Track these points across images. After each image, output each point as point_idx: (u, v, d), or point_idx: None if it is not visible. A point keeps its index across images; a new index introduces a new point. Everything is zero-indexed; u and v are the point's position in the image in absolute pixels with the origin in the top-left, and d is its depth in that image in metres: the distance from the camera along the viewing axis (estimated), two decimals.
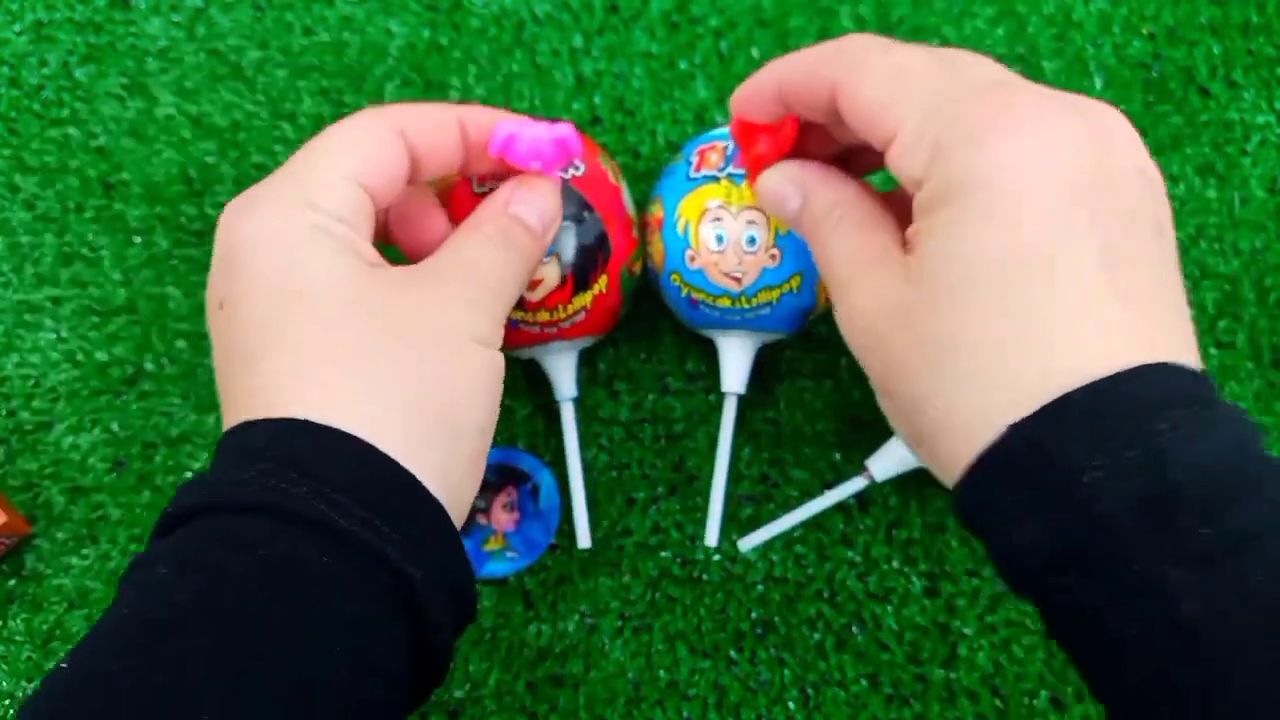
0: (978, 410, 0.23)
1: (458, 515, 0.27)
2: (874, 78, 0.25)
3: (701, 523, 0.38)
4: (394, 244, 0.33)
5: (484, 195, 0.34)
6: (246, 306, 0.26)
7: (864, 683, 0.37)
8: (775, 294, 0.34)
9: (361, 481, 0.24)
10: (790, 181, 0.29)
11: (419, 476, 0.25)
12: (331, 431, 0.24)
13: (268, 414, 0.25)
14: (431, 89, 0.44)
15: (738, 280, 0.34)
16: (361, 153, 0.28)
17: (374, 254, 0.28)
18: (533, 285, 0.34)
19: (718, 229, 0.34)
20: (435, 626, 0.25)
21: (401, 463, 0.25)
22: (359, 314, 0.26)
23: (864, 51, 0.26)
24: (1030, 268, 0.22)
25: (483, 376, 0.28)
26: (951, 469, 0.24)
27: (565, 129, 0.31)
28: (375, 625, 0.24)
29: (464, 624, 0.27)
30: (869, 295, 0.26)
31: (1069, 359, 0.22)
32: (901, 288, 0.25)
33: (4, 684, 0.37)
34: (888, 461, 0.36)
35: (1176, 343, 0.23)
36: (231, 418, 0.26)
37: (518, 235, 0.30)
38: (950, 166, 0.23)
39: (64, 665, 0.21)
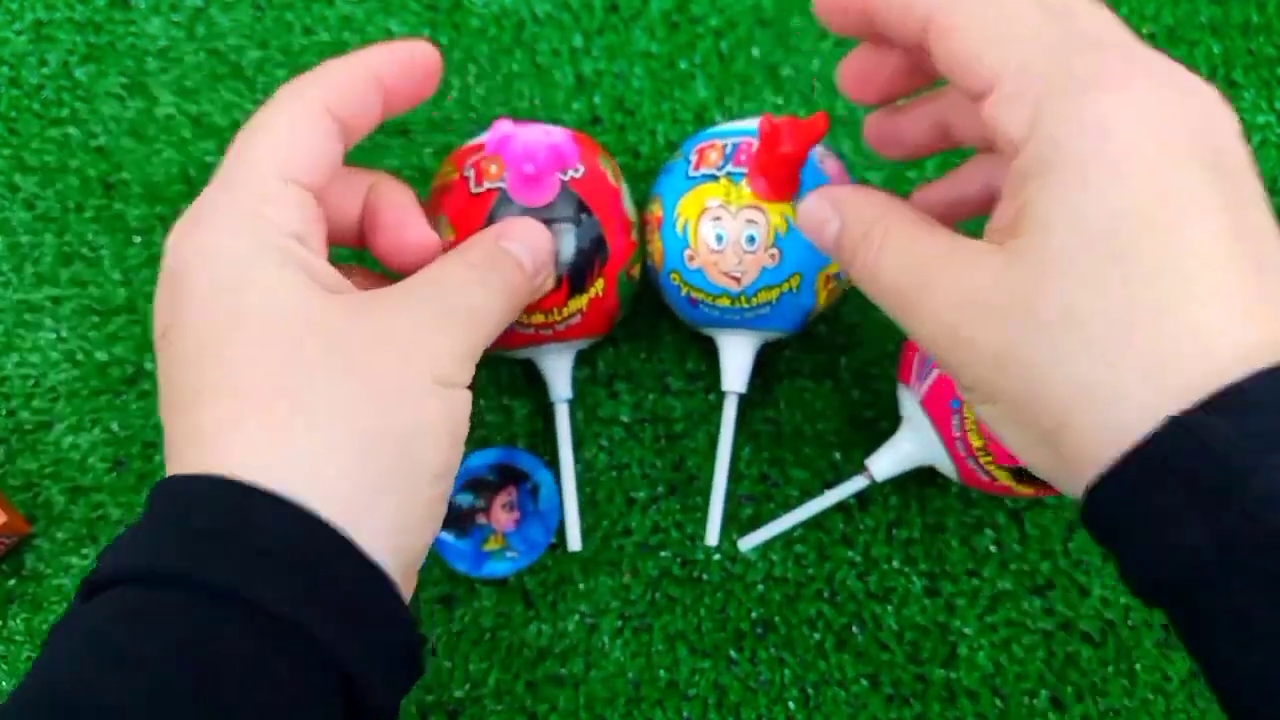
0: (1129, 395, 0.20)
1: (411, 563, 0.25)
2: (975, 16, 0.22)
3: (701, 523, 0.38)
4: (371, 252, 0.31)
5: (482, 195, 0.34)
6: (187, 336, 0.24)
7: (864, 683, 0.37)
8: (775, 293, 0.34)
9: (293, 550, 0.22)
10: (827, 202, 0.27)
11: (366, 531, 0.23)
12: (262, 494, 0.22)
13: (199, 465, 0.23)
14: None
15: (737, 280, 0.34)
16: (295, 146, 0.26)
17: (330, 273, 0.26)
18: None
19: (717, 228, 0.34)
20: (374, 710, 0.23)
21: (346, 518, 0.22)
22: (309, 347, 0.24)
23: None
24: (1167, 231, 0.20)
25: (445, 420, 0.25)
26: (1083, 468, 0.21)
27: (561, 135, 0.31)
28: (301, 714, 0.21)
29: (411, 684, 0.25)
30: (956, 290, 0.23)
31: (1227, 339, 0.19)
32: (1001, 272, 0.22)
33: (4, 684, 0.37)
34: (888, 461, 0.36)
35: None
36: (169, 461, 0.24)
37: (507, 269, 0.29)
38: (1060, 124, 0.21)
39: None
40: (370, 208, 0.30)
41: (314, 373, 0.23)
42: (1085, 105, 0.21)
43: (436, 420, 0.25)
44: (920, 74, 0.28)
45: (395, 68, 0.29)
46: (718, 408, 0.40)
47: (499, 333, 0.28)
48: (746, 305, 0.35)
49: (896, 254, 0.25)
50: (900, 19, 0.24)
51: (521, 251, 0.29)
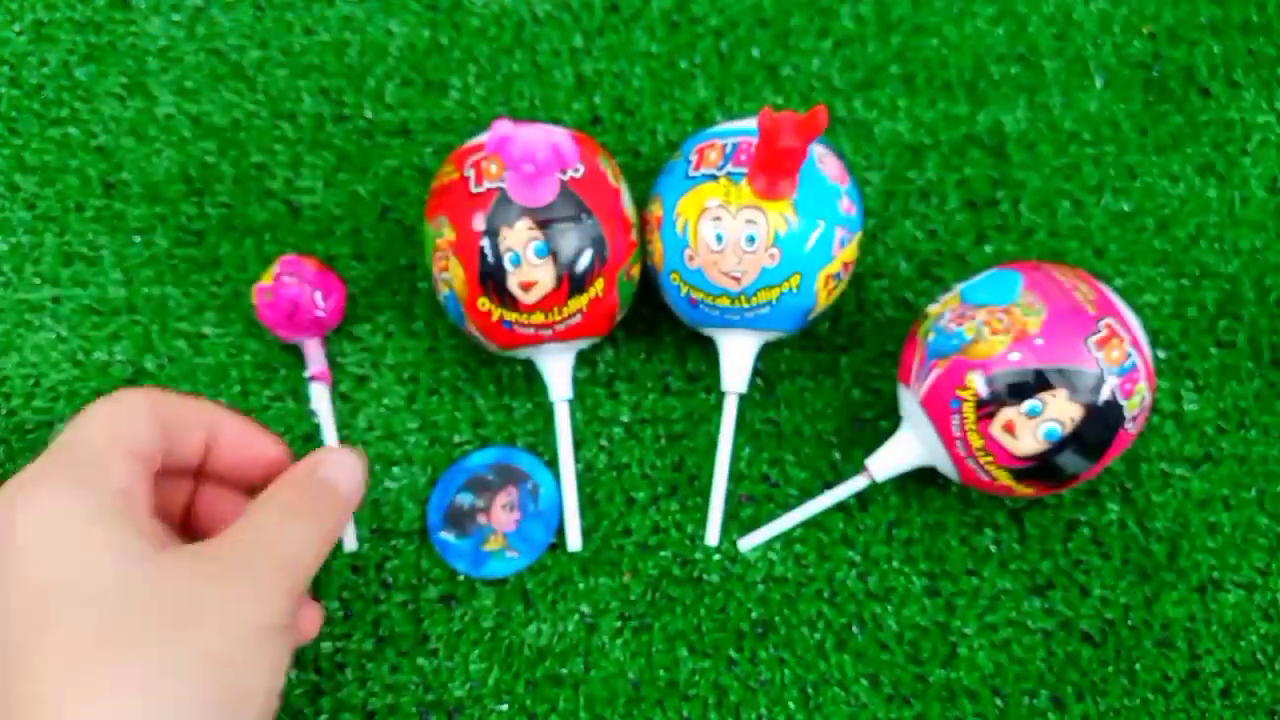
0: None
1: None
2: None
3: (701, 523, 0.38)
4: (213, 470, 0.32)
5: (482, 195, 0.34)
6: (11, 596, 0.24)
7: (864, 683, 0.37)
8: (775, 293, 0.34)
9: None
10: None
11: None
12: None
13: None
14: (431, 89, 0.44)
15: (737, 280, 0.34)
16: (130, 426, 0.28)
17: (157, 531, 0.27)
18: (528, 287, 0.34)
19: (717, 228, 0.34)
20: None
21: None
22: (132, 616, 0.24)
23: None
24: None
25: (268, 663, 0.26)
26: None
27: (561, 135, 0.31)
28: None
29: None
30: None
31: None
32: None
33: None
34: (888, 461, 0.36)
35: None
36: None
37: (323, 502, 0.29)
38: None
39: None
40: (212, 434, 0.31)
41: (138, 633, 0.24)
42: None
43: (262, 664, 0.26)
44: None
45: (236, 434, 0.31)
46: (718, 408, 0.40)
47: (321, 563, 0.29)
48: (746, 305, 0.35)
49: None
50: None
51: (338, 476, 0.30)
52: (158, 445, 0.28)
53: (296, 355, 0.40)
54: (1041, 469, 0.33)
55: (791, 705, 0.36)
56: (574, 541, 0.38)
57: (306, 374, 0.39)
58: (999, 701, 0.36)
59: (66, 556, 0.24)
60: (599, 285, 0.35)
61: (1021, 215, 0.42)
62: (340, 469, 0.30)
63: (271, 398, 0.40)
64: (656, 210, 0.36)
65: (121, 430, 0.28)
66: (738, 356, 0.37)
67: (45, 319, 0.41)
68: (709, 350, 0.40)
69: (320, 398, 0.39)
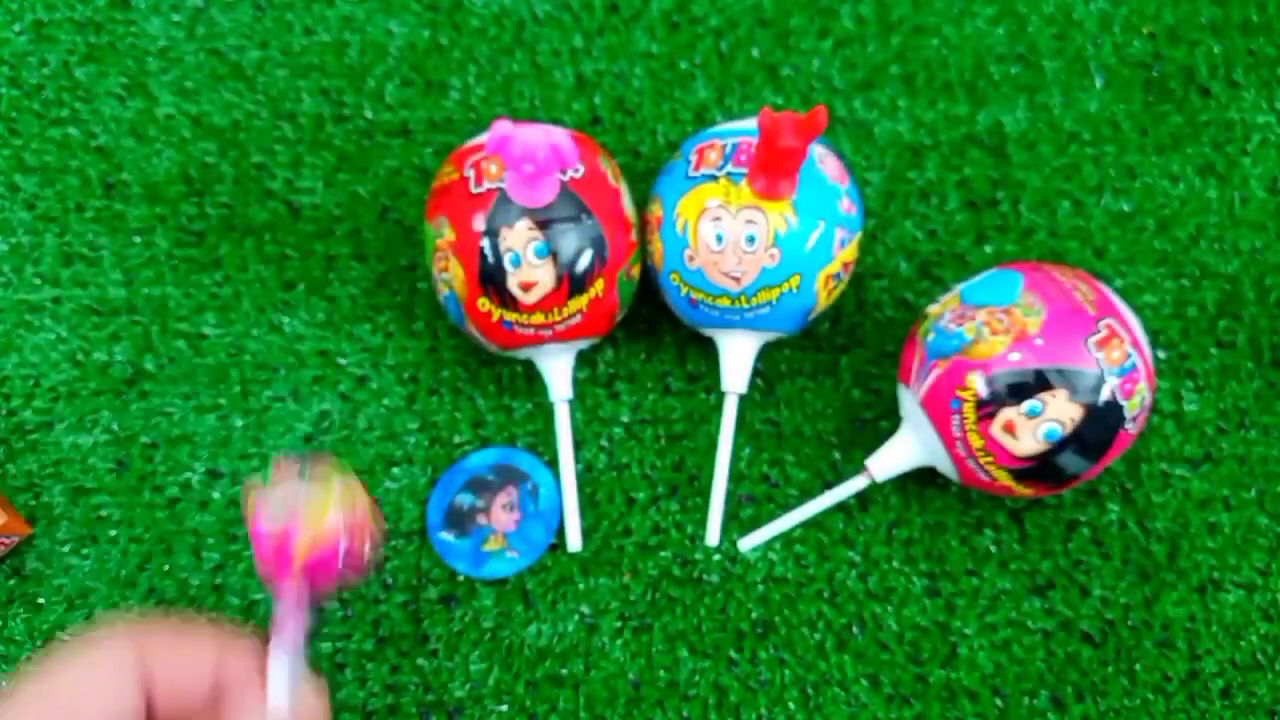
0: None
1: None
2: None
3: (701, 523, 0.38)
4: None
5: (482, 195, 0.34)
6: None
7: (864, 683, 0.37)
8: (774, 293, 0.34)
9: None
10: None
11: None
12: None
13: None
14: (431, 89, 0.44)
15: (737, 280, 0.34)
16: (108, 691, 0.24)
17: None
18: (528, 287, 0.34)
19: (716, 228, 0.34)
20: None
21: None
22: None
23: None
24: None
25: None
26: None
27: (560, 135, 0.31)
28: None
29: None
30: None
31: None
32: None
33: (4, 684, 0.37)
34: (888, 461, 0.36)
35: None
36: None
37: None
38: None
39: None
40: (219, 682, 0.27)
41: None
42: None
43: None
44: None
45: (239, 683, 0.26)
46: (718, 408, 0.40)
47: None
48: (746, 305, 0.35)
49: None
50: None
51: None
52: (139, 714, 0.25)
53: (296, 355, 0.40)
54: (1041, 469, 0.33)
55: (791, 705, 0.36)
56: (574, 542, 0.38)
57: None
58: (999, 701, 0.36)
59: None
60: (599, 285, 0.35)
61: (1021, 215, 0.42)
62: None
63: (272, 398, 0.40)
64: (656, 210, 0.36)
65: (98, 694, 0.24)
66: (738, 357, 0.37)
67: (45, 319, 0.41)
68: (709, 350, 0.40)
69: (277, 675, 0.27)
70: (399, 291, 0.41)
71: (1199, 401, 0.40)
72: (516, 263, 0.33)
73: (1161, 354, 0.41)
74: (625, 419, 0.40)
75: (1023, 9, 0.45)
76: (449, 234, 0.34)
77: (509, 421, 0.40)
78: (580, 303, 0.35)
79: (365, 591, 0.37)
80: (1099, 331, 0.32)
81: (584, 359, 0.40)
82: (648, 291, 0.40)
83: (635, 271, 0.37)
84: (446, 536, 0.38)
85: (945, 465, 0.35)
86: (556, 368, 0.37)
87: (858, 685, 0.37)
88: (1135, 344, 0.32)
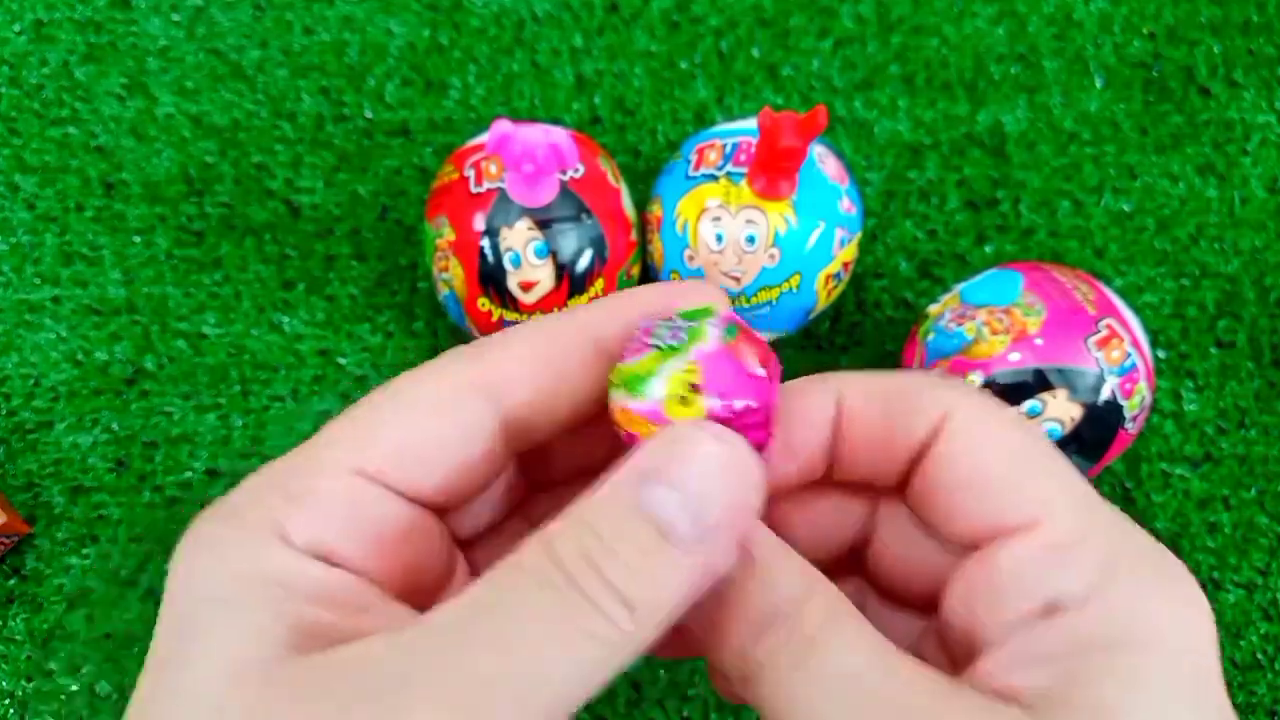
0: None
1: None
2: (1003, 448, 0.18)
3: None
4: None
5: (482, 195, 0.34)
6: (142, 680, 0.16)
7: None
8: (774, 293, 0.34)
9: None
10: (728, 536, 0.16)
11: None
12: None
13: None
14: (431, 89, 0.44)
15: (737, 280, 0.34)
16: (416, 426, 0.18)
17: (339, 619, 0.16)
18: (528, 287, 0.34)
19: (717, 228, 0.34)
20: None
21: None
22: None
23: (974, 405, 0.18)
24: None
25: None
26: None
27: (561, 134, 0.31)
28: None
29: None
30: None
31: None
32: None
33: (4, 684, 0.37)
34: None
35: None
36: None
37: (639, 565, 0.16)
38: (1135, 599, 0.16)
39: None
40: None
41: None
42: (1161, 593, 0.17)
43: None
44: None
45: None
46: None
47: (586, 697, 0.16)
48: (746, 305, 0.35)
49: (843, 682, 0.16)
50: (888, 437, 0.18)
51: (674, 515, 0.16)
52: (467, 457, 0.18)
53: (296, 355, 0.40)
54: None
55: None
56: None
57: None
58: None
59: (187, 654, 0.16)
60: (599, 285, 0.35)
61: (1021, 215, 0.42)
62: (690, 486, 0.16)
63: (272, 398, 0.40)
64: (656, 210, 0.36)
65: (397, 441, 0.18)
66: None
67: (45, 319, 0.41)
68: None
69: None
70: (399, 291, 0.41)
71: (1199, 401, 0.40)
72: (516, 262, 0.33)
73: (1161, 354, 0.41)
74: None
75: (1023, 9, 0.45)
76: (449, 234, 0.34)
77: None
78: (580, 302, 0.35)
79: None
80: (1099, 331, 0.32)
81: None
82: None
83: (635, 271, 0.37)
84: None
85: None
86: None
87: None
88: (1135, 344, 0.32)
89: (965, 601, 0.17)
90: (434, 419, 0.18)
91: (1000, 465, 0.17)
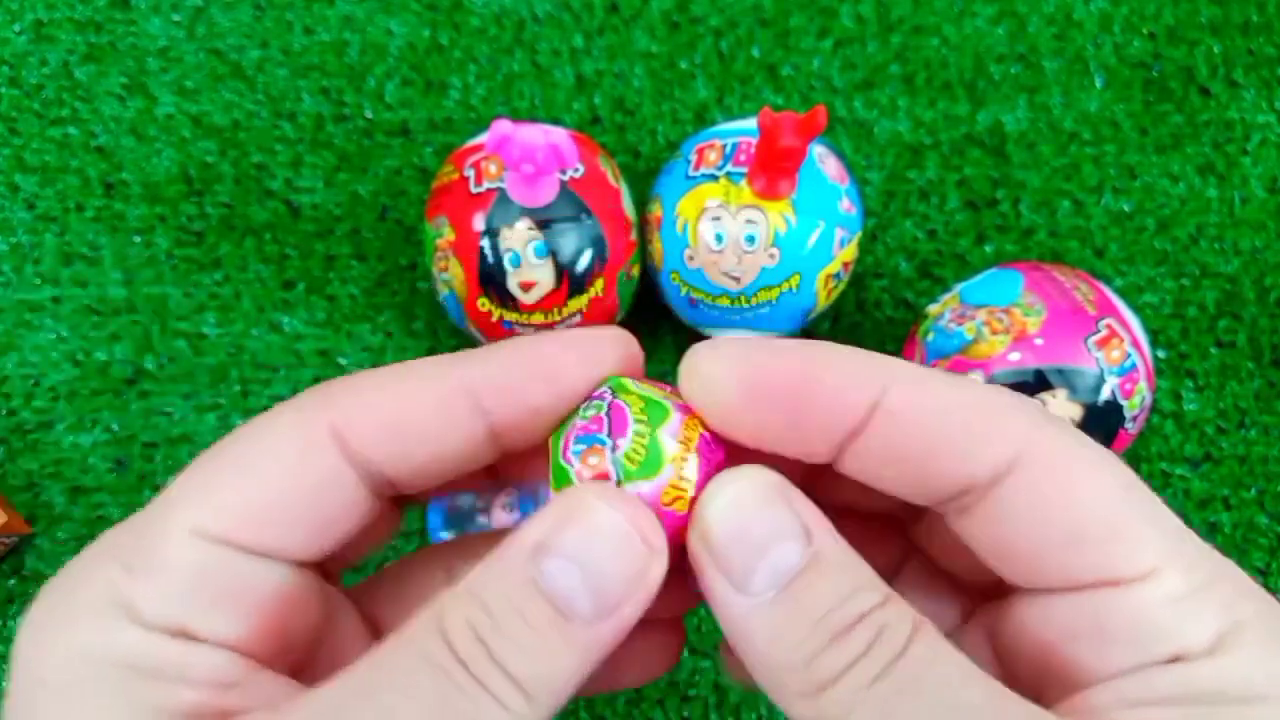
0: None
1: None
2: (1102, 493, 0.16)
3: None
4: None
5: (482, 195, 0.34)
6: None
7: None
8: (774, 293, 0.34)
9: None
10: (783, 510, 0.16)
11: None
12: None
13: None
14: (431, 89, 0.44)
15: (737, 280, 0.34)
16: (262, 481, 0.16)
17: (204, 699, 0.15)
18: (528, 287, 0.34)
19: (716, 228, 0.34)
20: None
21: None
22: None
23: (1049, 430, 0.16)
24: None
25: None
26: None
27: (560, 135, 0.31)
28: None
29: None
30: None
31: None
32: None
33: (4, 684, 0.37)
34: None
35: None
36: None
37: (539, 630, 0.15)
38: (1262, 654, 0.15)
39: None
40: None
41: None
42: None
43: None
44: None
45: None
46: None
47: None
48: (746, 305, 0.35)
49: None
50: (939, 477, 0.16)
51: (574, 589, 0.15)
52: (323, 519, 0.17)
53: (296, 355, 0.40)
54: None
55: None
56: None
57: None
58: None
59: None
60: (599, 285, 0.35)
61: (1021, 215, 0.42)
62: (587, 561, 0.15)
63: (272, 398, 0.40)
64: (656, 210, 0.36)
65: (237, 505, 0.16)
66: None
67: (45, 319, 0.41)
68: None
69: None
70: (399, 291, 0.41)
71: (1199, 401, 0.40)
72: (516, 262, 0.33)
73: (1161, 354, 0.41)
74: None
75: (1023, 9, 0.45)
76: (449, 234, 0.34)
77: None
78: (580, 302, 0.35)
79: None
80: (1099, 331, 0.32)
81: None
82: (648, 291, 0.40)
83: (635, 271, 0.37)
84: (446, 536, 0.38)
85: None
86: None
87: None
88: (1135, 344, 0.32)
89: (1060, 641, 0.16)
90: (276, 472, 0.16)
91: (1102, 512, 0.16)
